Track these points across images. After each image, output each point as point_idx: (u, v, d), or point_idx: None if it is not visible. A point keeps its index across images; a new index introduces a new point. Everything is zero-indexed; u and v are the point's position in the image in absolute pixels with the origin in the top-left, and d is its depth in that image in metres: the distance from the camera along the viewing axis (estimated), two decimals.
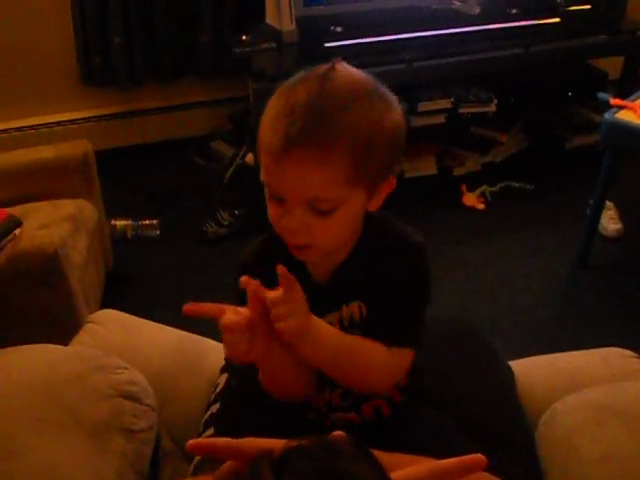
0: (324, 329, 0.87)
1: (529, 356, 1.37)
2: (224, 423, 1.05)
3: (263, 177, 0.86)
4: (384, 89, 0.89)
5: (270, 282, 0.82)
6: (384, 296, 0.92)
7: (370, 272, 0.92)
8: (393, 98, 0.89)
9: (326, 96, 0.83)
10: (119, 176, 2.86)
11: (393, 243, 0.94)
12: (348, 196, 0.85)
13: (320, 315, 0.90)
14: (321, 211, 0.84)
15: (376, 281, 0.93)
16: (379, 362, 0.91)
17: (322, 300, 0.91)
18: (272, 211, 0.88)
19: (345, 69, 0.88)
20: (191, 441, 0.67)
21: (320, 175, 0.82)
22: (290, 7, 2.53)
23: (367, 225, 0.93)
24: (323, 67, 0.87)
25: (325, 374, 0.93)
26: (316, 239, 0.87)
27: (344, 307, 0.95)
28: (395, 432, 1.00)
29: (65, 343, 1.28)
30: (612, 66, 3.02)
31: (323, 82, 0.85)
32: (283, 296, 0.80)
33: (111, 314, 1.38)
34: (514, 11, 2.83)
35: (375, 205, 0.91)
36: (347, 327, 0.95)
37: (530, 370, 1.28)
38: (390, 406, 1.02)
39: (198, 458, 1.05)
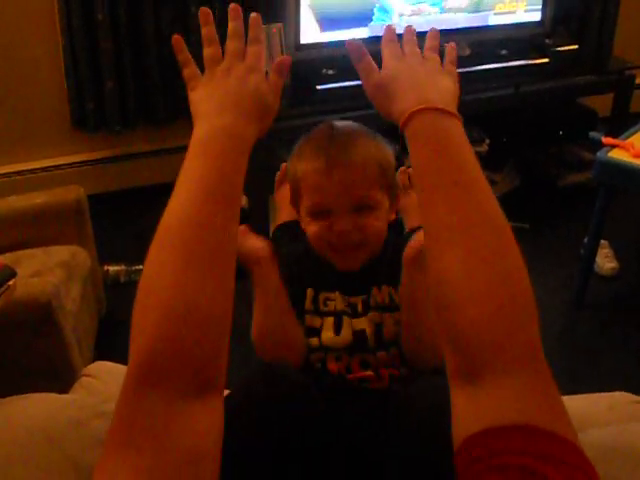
0: None
1: None
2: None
3: (310, 202, 1.09)
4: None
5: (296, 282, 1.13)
6: None
7: (396, 266, 1.11)
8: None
9: (340, 134, 1.10)
10: (112, 220, 2.84)
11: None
12: (382, 200, 1.10)
13: (347, 296, 1.14)
14: (367, 207, 1.07)
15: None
16: None
17: (351, 285, 1.14)
18: (318, 229, 1.09)
19: (340, 121, 1.14)
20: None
21: (363, 177, 1.07)
22: (282, 51, 2.55)
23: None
24: (321, 125, 1.13)
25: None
26: (367, 234, 1.08)
27: (374, 289, 1.14)
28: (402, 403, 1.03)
29: (60, 392, 1.25)
30: (601, 104, 3.06)
31: (331, 128, 1.11)
32: None
33: (105, 366, 1.36)
34: (504, 52, 2.87)
35: (392, 216, 1.15)
36: (372, 307, 1.14)
37: None
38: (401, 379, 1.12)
39: None
